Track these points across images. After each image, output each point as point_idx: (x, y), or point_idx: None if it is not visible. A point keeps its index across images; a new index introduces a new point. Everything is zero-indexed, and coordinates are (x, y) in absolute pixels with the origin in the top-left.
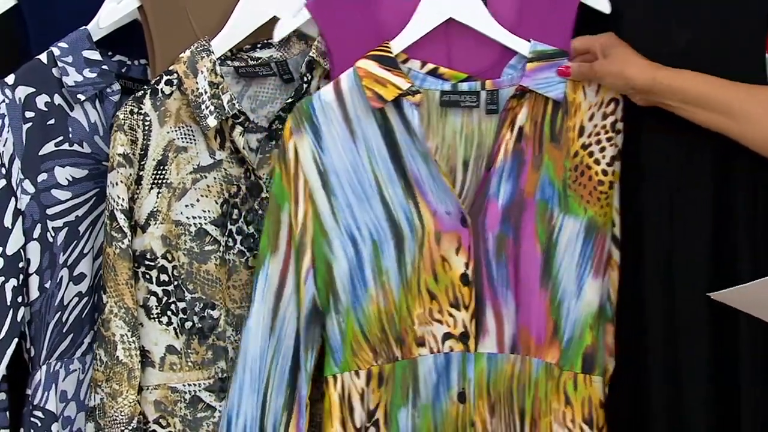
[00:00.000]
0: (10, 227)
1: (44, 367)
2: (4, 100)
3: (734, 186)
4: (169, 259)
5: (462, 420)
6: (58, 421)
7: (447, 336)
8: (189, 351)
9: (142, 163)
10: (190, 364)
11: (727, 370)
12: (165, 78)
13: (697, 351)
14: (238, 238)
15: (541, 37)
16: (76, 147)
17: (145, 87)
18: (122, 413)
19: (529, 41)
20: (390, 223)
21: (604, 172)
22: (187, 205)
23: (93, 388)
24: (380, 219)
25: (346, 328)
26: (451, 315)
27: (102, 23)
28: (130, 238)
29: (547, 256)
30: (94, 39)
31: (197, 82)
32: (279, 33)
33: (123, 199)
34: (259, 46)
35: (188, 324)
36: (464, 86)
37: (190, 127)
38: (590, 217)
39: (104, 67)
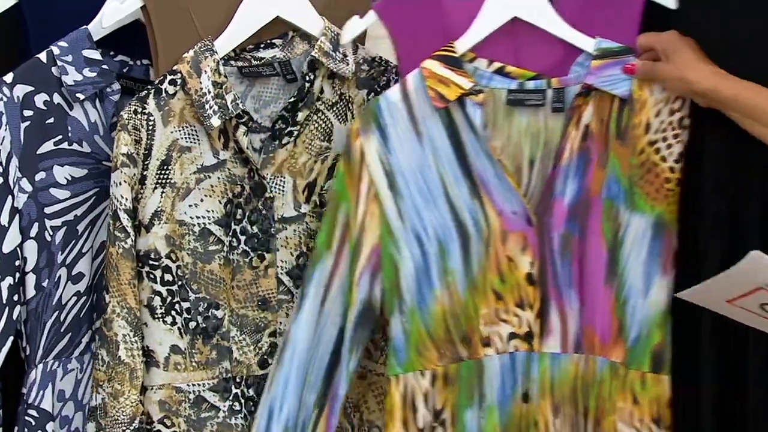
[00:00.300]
0: (6, 225)
1: (40, 366)
2: (2, 98)
3: None
4: (173, 259)
5: (525, 420)
6: (55, 421)
7: (512, 336)
8: (193, 351)
9: (146, 162)
10: (194, 364)
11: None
12: (169, 78)
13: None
14: (242, 238)
15: (607, 34)
16: (75, 146)
17: (149, 87)
18: (124, 413)
19: (594, 38)
20: (456, 224)
21: (671, 169)
22: (190, 205)
23: (94, 388)
24: (446, 219)
25: (411, 329)
26: (516, 315)
27: (105, 23)
28: (133, 238)
29: (612, 255)
30: (96, 39)
31: (201, 82)
32: (349, 34)
33: (126, 199)
34: (262, 46)
35: (192, 324)
36: (530, 85)
37: (194, 126)
38: (658, 214)
39: (104, 66)
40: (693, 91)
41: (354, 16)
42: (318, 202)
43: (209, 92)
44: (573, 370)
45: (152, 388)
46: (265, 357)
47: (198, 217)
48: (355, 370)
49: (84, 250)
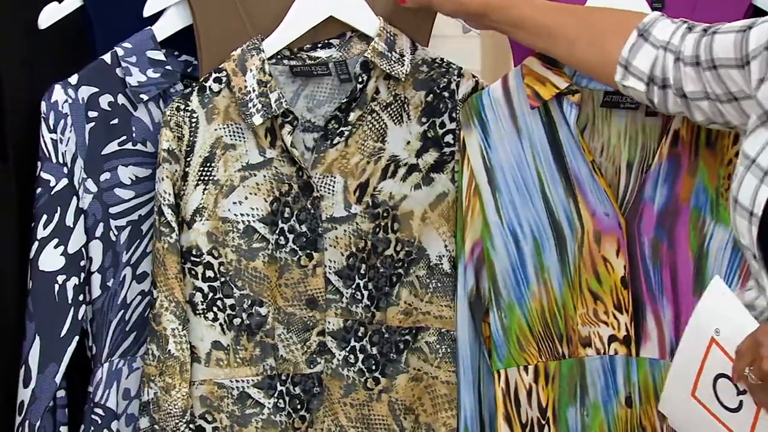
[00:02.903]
0: (71, 226)
1: (106, 365)
2: (67, 100)
3: None
4: (216, 255)
5: (631, 424)
6: (120, 419)
7: (612, 338)
8: (237, 347)
9: (188, 159)
10: (238, 360)
11: None
12: (214, 75)
13: None
14: (290, 236)
15: (716, 20)
16: (139, 146)
17: (193, 84)
18: (176, 406)
19: None
20: (550, 221)
21: None
22: (234, 202)
23: (146, 383)
24: (541, 217)
25: (510, 324)
26: (615, 317)
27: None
28: (177, 233)
29: (698, 265)
30: (161, 39)
31: (245, 80)
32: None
33: (170, 195)
34: (320, 45)
35: (237, 320)
36: None
37: (239, 125)
38: None
39: (168, 67)
40: (466, 10)
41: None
42: (371, 203)
43: (253, 90)
44: None
45: (194, 384)
46: (314, 356)
47: (242, 215)
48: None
49: (148, 250)
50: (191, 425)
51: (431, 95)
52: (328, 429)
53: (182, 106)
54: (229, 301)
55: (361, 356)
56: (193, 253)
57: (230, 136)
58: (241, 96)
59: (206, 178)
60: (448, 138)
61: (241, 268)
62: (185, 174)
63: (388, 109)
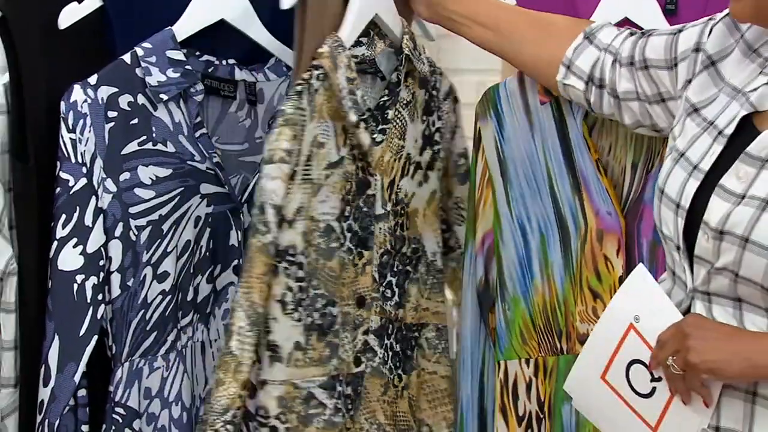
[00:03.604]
0: (90, 225)
1: (126, 365)
2: (86, 100)
3: None
4: (305, 255)
5: None
6: (142, 418)
7: None
8: (308, 347)
9: (298, 158)
10: (308, 360)
11: None
12: (315, 73)
13: None
14: (348, 235)
15: None
16: (159, 146)
17: (301, 81)
18: (219, 403)
19: None
20: (557, 217)
21: None
22: (320, 201)
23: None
24: (548, 212)
25: (513, 316)
26: None
27: (185, 25)
28: (273, 235)
29: None
30: (181, 39)
31: (338, 78)
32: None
33: (277, 195)
34: (352, 45)
35: (309, 320)
36: None
37: (328, 123)
38: None
39: (188, 67)
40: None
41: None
42: (395, 201)
43: (345, 88)
44: None
45: (273, 383)
46: (359, 355)
47: (324, 214)
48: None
49: (169, 250)
50: (266, 425)
51: (428, 94)
52: (365, 428)
53: (298, 104)
54: (306, 301)
55: (390, 354)
56: (290, 252)
57: (322, 134)
58: (338, 93)
59: (307, 176)
60: (437, 136)
61: (318, 268)
62: (293, 173)
63: (407, 107)
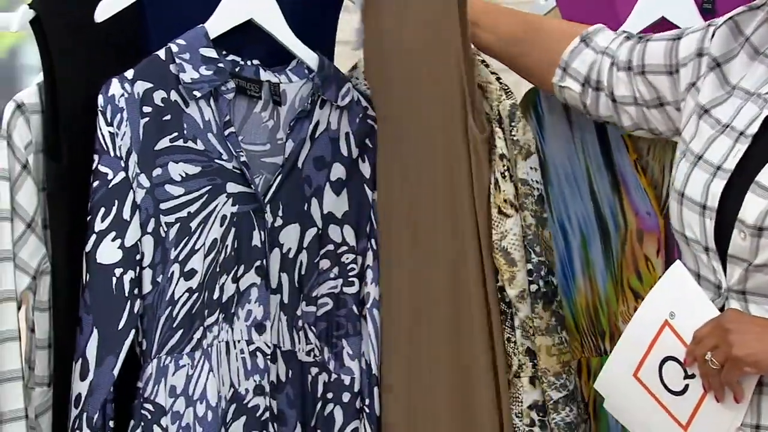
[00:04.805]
0: (128, 219)
1: (155, 361)
2: (123, 94)
3: None
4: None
5: None
6: (167, 415)
7: None
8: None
9: None
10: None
11: None
12: None
13: None
14: None
15: None
16: (190, 143)
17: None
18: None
19: None
20: (597, 217)
21: None
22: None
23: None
24: (588, 212)
25: None
26: None
27: (216, 23)
28: None
29: None
30: (213, 37)
31: None
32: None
33: (542, 183)
34: None
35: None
36: None
37: None
38: None
39: (220, 65)
40: None
41: None
42: None
43: None
44: None
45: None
46: None
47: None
48: None
49: (196, 247)
50: None
51: None
52: None
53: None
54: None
55: None
56: None
57: None
58: None
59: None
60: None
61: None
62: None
63: None
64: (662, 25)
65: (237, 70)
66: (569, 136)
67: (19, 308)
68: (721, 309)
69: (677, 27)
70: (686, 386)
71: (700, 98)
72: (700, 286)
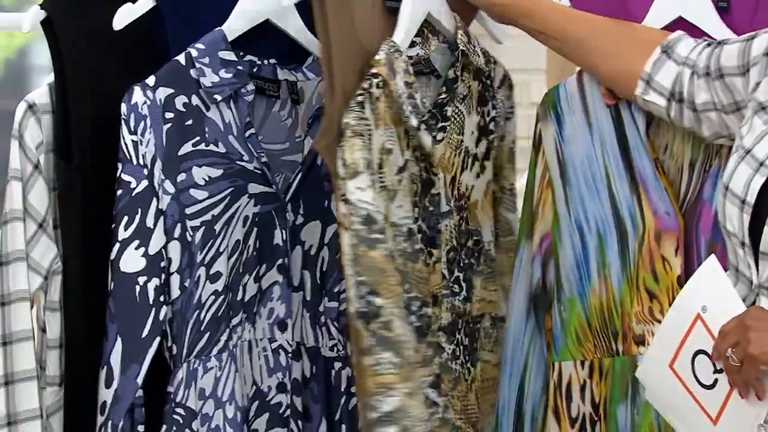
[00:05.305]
0: (152, 227)
1: (185, 365)
2: (146, 102)
3: None
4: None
5: None
6: (197, 419)
7: None
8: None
9: (372, 168)
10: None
11: None
12: (374, 81)
13: None
14: (419, 236)
15: None
16: (212, 147)
17: (361, 91)
18: (423, 411)
19: None
20: (615, 218)
21: None
22: (398, 207)
23: (384, 392)
24: (606, 213)
25: (569, 318)
26: None
27: (233, 25)
28: (389, 241)
29: None
30: (231, 39)
31: (397, 83)
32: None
33: (376, 203)
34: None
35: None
36: None
37: (392, 128)
38: None
39: (239, 67)
40: (492, 2)
41: None
42: (457, 196)
43: (404, 93)
44: None
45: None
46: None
47: (403, 218)
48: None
49: (221, 249)
50: None
51: (482, 85)
52: None
53: (361, 115)
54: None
55: (461, 348)
56: None
57: (389, 140)
58: (398, 99)
59: (382, 184)
60: (492, 125)
61: (407, 272)
62: (372, 182)
63: (464, 101)
64: (679, 24)
65: (255, 70)
66: (588, 137)
67: (31, 308)
68: (752, 305)
69: (695, 27)
70: (715, 380)
71: (758, 94)
72: (736, 281)
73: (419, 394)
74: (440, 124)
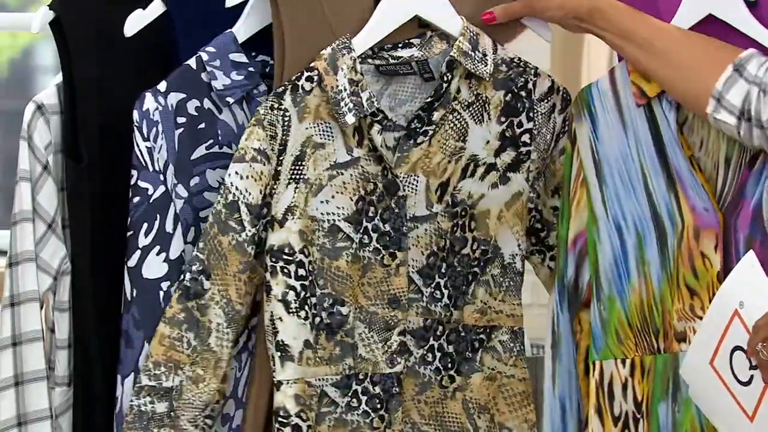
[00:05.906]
0: (171, 232)
1: None
2: (157, 108)
3: None
4: (306, 254)
5: None
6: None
7: None
8: (317, 346)
9: (281, 158)
10: (318, 359)
11: None
12: (306, 74)
13: None
14: (374, 235)
15: None
16: (225, 149)
17: (286, 83)
18: (201, 399)
19: None
20: (653, 215)
21: None
22: (322, 201)
23: (172, 369)
24: (644, 210)
25: (609, 317)
26: None
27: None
28: (249, 233)
29: None
30: (241, 41)
31: (337, 80)
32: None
33: (250, 194)
34: (400, 45)
35: (317, 319)
36: None
37: (329, 123)
38: None
39: (250, 69)
40: (575, 14)
41: None
42: (450, 202)
43: (345, 90)
44: None
45: (288, 383)
46: (395, 355)
47: (328, 214)
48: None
49: None
50: (288, 423)
51: (510, 95)
52: (398, 427)
53: (276, 105)
54: (312, 300)
55: (438, 354)
56: (286, 251)
57: (320, 135)
58: (334, 95)
59: (297, 177)
60: (525, 138)
61: (323, 267)
62: (277, 173)
63: (470, 109)
64: (709, 22)
65: (267, 70)
66: (623, 136)
67: (40, 309)
68: None
69: (726, 24)
70: (751, 377)
71: None
72: None
73: (209, 384)
74: (424, 128)
